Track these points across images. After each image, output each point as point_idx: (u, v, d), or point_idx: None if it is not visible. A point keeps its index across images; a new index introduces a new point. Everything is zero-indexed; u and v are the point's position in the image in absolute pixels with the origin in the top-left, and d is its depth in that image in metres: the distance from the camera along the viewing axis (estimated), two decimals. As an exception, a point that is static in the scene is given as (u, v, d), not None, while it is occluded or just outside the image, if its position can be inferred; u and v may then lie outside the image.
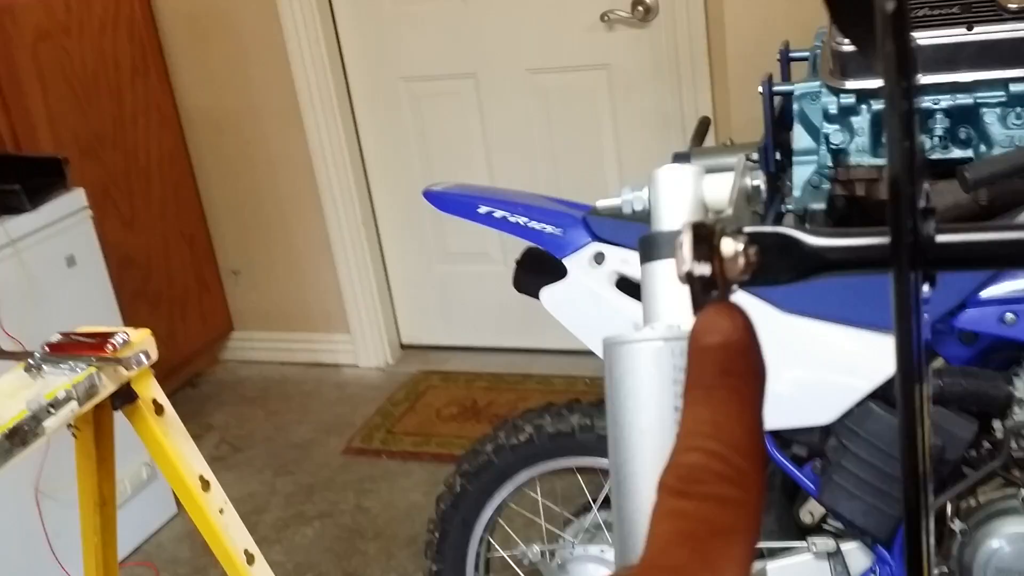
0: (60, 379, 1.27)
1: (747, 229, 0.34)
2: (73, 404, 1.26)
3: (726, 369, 0.30)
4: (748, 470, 0.29)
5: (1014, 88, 1.67)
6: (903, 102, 0.29)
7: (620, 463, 0.40)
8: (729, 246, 0.31)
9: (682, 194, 0.47)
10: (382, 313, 3.61)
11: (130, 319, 2.81)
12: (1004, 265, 0.35)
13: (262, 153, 3.51)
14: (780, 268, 0.35)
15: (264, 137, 3.48)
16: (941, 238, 0.34)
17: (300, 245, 3.60)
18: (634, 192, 0.50)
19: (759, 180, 0.41)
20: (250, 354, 3.78)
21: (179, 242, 3.53)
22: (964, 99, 1.71)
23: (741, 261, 0.31)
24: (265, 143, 3.49)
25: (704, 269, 0.31)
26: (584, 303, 1.70)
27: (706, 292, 0.31)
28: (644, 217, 0.49)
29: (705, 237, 0.31)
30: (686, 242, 0.31)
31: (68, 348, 1.32)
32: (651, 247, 0.45)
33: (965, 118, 1.73)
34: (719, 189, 0.44)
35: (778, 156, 1.92)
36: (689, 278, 0.31)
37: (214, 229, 3.68)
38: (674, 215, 0.46)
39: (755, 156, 1.95)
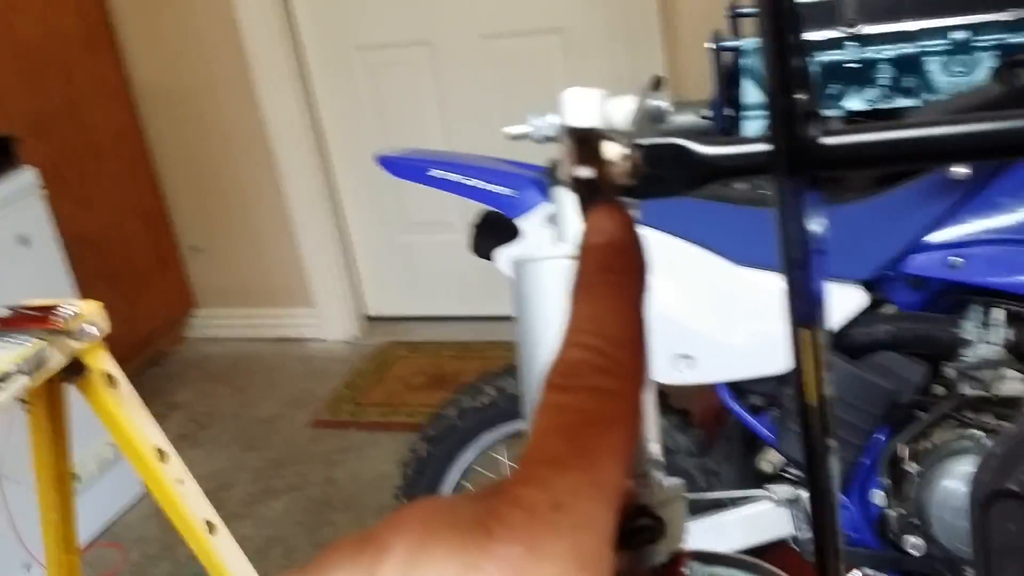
0: (8, 353, 1.26)
1: (639, 140, 0.35)
2: (23, 379, 1.25)
3: (606, 266, 0.31)
4: (626, 362, 0.30)
5: (955, 36, 1.69)
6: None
7: (530, 380, 0.40)
8: (613, 149, 0.31)
9: (589, 116, 0.47)
10: (346, 286, 3.60)
11: (88, 299, 2.78)
12: (893, 164, 0.35)
13: (217, 127, 3.47)
14: (674, 178, 0.36)
15: (219, 110, 3.45)
16: (826, 140, 0.34)
17: (260, 219, 3.57)
18: (542, 117, 0.51)
19: (662, 101, 0.42)
20: (213, 331, 3.75)
21: (135, 220, 3.49)
22: (907, 48, 1.72)
23: (625, 164, 0.31)
24: (220, 116, 3.46)
25: (587, 172, 0.31)
26: (538, 263, 1.70)
27: (592, 196, 0.31)
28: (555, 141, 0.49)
29: (588, 141, 0.31)
30: (569, 146, 0.31)
31: (15, 322, 1.30)
32: (558, 171, 0.45)
33: (909, 67, 1.74)
34: (625, 110, 0.44)
35: (728, 112, 1.93)
36: (574, 181, 0.31)
37: (171, 205, 3.64)
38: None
39: (706, 112, 1.95)
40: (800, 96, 0.33)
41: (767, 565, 0.52)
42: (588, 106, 0.45)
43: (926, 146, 0.33)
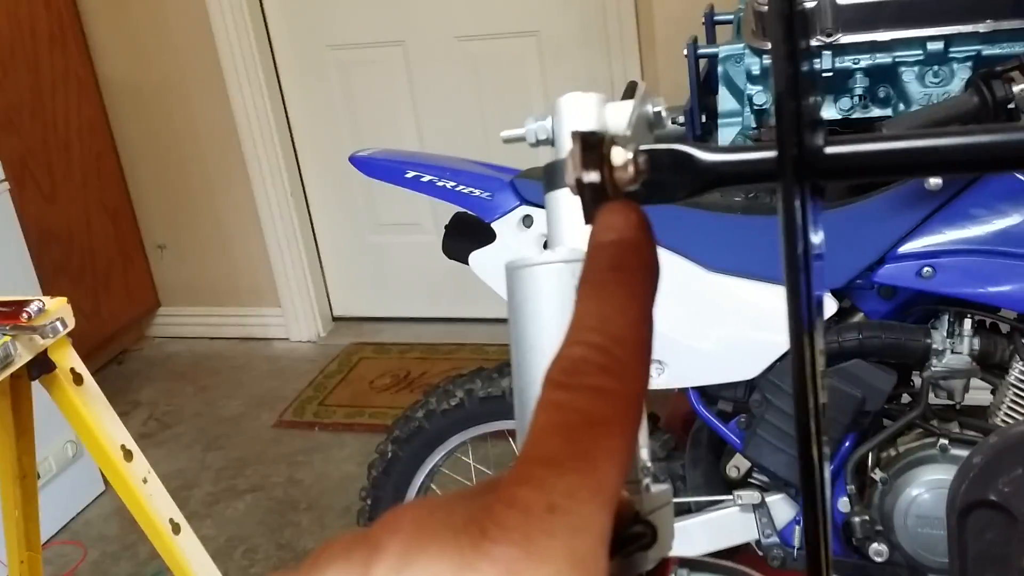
0: (-28, 349, 1.24)
1: (642, 147, 0.34)
2: (-13, 374, 1.23)
3: (616, 264, 0.30)
4: (630, 362, 0.29)
5: (931, 47, 1.70)
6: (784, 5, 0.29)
7: (523, 386, 0.40)
8: (619, 154, 0.31)
9: (585, 121, 0.47)
10: (313, 285, 3.57)
11: (52, 295, 2.74)
12: (894, 174, 0.35)
13: (186, 124, 3.44)
14: (675, 184, 0.36)
15: (188, 107, 3.41)
16: (830, 149, 0.34)
17: (228, 218, 3.54)
18: (538, 122, 0.50)
19: (660, 106, 0.41)
20: (178, 330, 3.71)
21: (102, 216, 3.45)
22: (883, 58, 1.74)
23: (631, 169, 0.31)
24: (189, 113, 3.42)
25: (593, 177, 0.30)
26: (512, 266, 1.70)
27: (596, 201, 0.31)
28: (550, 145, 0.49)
29: (594, 145, 0.31)
30: (575, 150, 0.30)
31: (-20, 317, 1.28)
32: (554, 175, 0.45)
33: (884, 77, 1.76)
34: (622, 116, 0.44)
35: (704, 119, 1.94)
36: (579, 185, 0.31)
37: (138, 202, 3.60)
38: (577, 143, 0.45)
39: (681, 119, 1.96)
40: (806, 104, 0.33)
41: (750, 571, 0.51)
42: (587, 111, 0.45)
43: (931, 157, 0.33)
